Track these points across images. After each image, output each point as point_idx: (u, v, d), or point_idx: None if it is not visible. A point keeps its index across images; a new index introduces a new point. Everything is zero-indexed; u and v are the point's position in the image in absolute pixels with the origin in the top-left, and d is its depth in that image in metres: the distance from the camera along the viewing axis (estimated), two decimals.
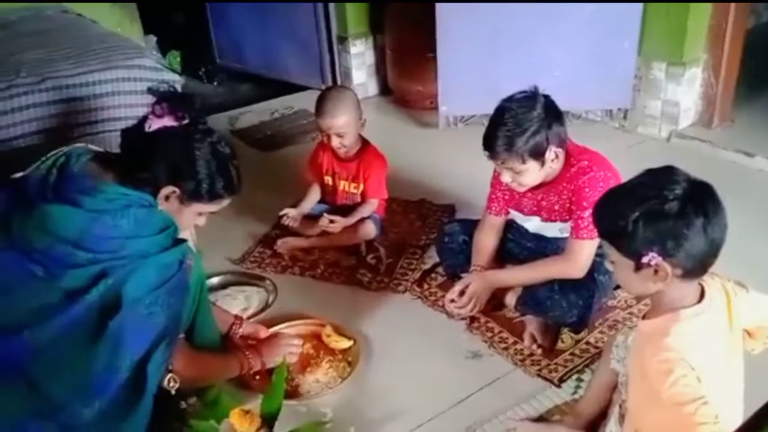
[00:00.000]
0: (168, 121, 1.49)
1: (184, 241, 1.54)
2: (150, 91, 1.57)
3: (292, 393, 1.91)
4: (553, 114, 1.92)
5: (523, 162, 1.92)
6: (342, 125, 2.50)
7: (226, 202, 1.64)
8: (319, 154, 2.72)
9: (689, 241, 1.18)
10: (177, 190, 1.52)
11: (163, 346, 1.44)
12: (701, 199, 1.18)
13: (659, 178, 1.22)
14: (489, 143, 1.94)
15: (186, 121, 1.51)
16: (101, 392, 1.38)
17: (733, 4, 3.27)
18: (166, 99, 1.52)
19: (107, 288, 1.38)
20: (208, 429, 1.58)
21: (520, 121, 1.88)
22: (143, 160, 1.50)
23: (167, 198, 1.53)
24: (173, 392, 1.51)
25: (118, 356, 1.38)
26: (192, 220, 1.64)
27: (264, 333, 2.06)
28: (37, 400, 1.35)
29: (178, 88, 2.29)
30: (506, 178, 2.00)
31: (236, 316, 2.06)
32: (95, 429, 1.38)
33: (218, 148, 1.58)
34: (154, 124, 1.49)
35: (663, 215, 1.17)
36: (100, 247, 1.40)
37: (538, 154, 1.91)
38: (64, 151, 1.54)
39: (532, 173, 1.96)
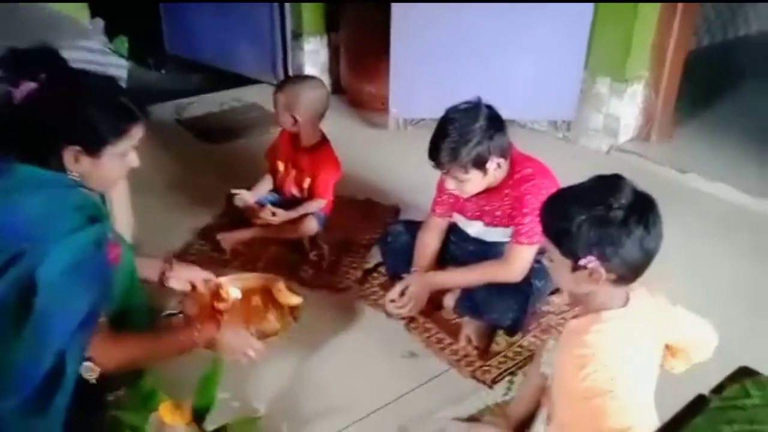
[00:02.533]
0: (28, 86, 1.37)
1: (100, 221, 1.43)
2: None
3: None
4: (495, 125, 1.97)
5: (466, 172, 1.96)
6: (292, 101, 2.49)
7: (137, 131, 1.48)
8: (280, 139, 2.71)
9: (626, 250, 1.23)
10: (78, 146, 1.40)
11: (79, 334, 1.35)
12: (644, 211, 1.23)
13: (608, 185, 1.27)
14: (433, 154, 1.98)
15: (44, 76, 1.38)
16: (22, 386, 1.31)
17: (676, 24, 3.41)
18: (10, 63, 1.39)
19: (17, 276, 1.29)
20: (137, 422, 1.54)
21: (463, 133, 1.93)
22: (30, 134, 1.38)
23: (77, 160, 1.41)
24: (92, 381, 1.42)
25: (41, 346, 1.31)
26: (117, 168, 1.49)
27: (200, 279, 1.86)
28: None
29: (125, 73, 2.24)
30: (450, 185, 2.04)
31: (165, 259, 1.85)
32: (8, 425, 1.32)
33: (96, 84, 1.47)
34: (17, 95, 1.37)
35: (607, 222, 1.22)
36: (8, 232, 1.30)
37: (480, 164, 1.95)
38: None
39: (474, 182, 2.00)
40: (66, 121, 1.39)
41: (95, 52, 2.20)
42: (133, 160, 1.52)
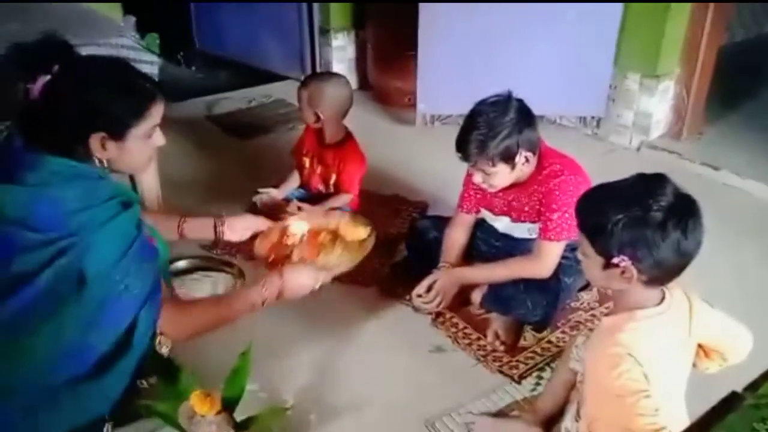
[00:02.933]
0: (42, 79, 1.38)
1: (132, 206, 1.45)
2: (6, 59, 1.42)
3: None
4: (525, 119, 1.95)
5: (493, 165, 1.95)
6: (316, 97, 2.51)
7: (157, 109, 1.47)
8: (305, 135, 2.72)
9: (661, 253, 1.21)
10: (102, 132, 1.39)
11: (146, 310, 1.39)
12: (683, 214, 1.21)
13: (649, 185, 1.24)
14: (461, 146, 1.97)
15: (57, 66, 1.39)
16: (72, 369, 1.35)
17: (708, 20, 3.35)
18: (23, 59, 1.39)
19: (62, 269, 1.31)
20: (167, 409, 1.57)
21: (492, 125, 1.91)
22: (52, 127, 1.39)
23: (103, 146, 1.40)
24: (167, 355, 1.48)
25: (92, 334, 1.35)
26: (144, 149, 1.49)
27: (262, 223, 1.92)
28: None
29: (156, 69, 2.27)
30: (477, 178, 2.03)
31: (215, 216, 1.89)
32: (66, 395, 1.35)
33: (109, 68, 1.46)
34: (34, 90, 1.38)
35: (644, 223, 1.20)
36: (49, 225, 1.31)
37: (508, 158, 1.94)
38: (6, 124, 1.48)
39: (501, 176, 1.99)
40: (85, 108, 1.38)
41: (128, 49, 2.24)
42: (159, 139, 1.52)
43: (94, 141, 1.39)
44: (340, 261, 1.89)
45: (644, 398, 1.21)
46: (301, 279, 1.71)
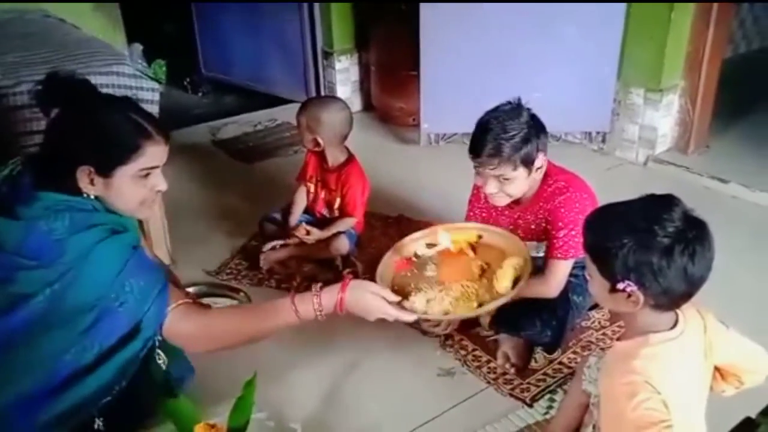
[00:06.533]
0: (53, 113, 1.43)
1: (123, 232, 1.46)
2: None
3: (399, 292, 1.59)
4: (538, 123, 1.93)
5: (515, 168, 1.89)
6: (313, 123, 2.51)
7: (155, 148, 1.43)
8: (308, 160, 2.72)
9: (667, 279, 1.17)
10: (89, 167, 1.38)
11: (147, 317, 1.42)
12: (691, 240, 1.17)
13: (657, 208, 1.20)
14: (478, 148, 1.89)
15: (56, 109, 1.42)
16: (42, 381, 1.38)
17: (710, 32, 3.34)
18: (38, 95, 1.43)
19: (53, 294, 1.35)
20: None
21: (507, 128, 1.87)
22: (52, 160, 1.42)
23: (91, 181, 1.40)
24: (163, 367, 1.50)
25: (81, 349, 1.39)
26: (137, 190, 1.45)
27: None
28: None
29: (157, 96, 2.27)
30: (491, 188, 1.95)
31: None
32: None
33: (103, 103, 1.46)
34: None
35: (650, 249, 1.16)
36: (40, 255, 1.36)
37: (528, 161, 1.90)
38: (21, 159, 1.50)
39: (519, 181, 1.94)
40: (75, 140, 1.40)
41: (128, 77, 2.25)
42: (159, 182, 1.48)
43: (82, 174, 1.40)
44: (449, 303, 1.63)
45: (665, 429, 1.16)
46: (366, 299, 1.49)
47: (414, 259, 1.83)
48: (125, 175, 1.42)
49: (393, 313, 1.51)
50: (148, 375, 1.52)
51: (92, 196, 1.43)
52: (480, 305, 1.65)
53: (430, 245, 1.84)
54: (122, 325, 1.41)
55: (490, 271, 1.74)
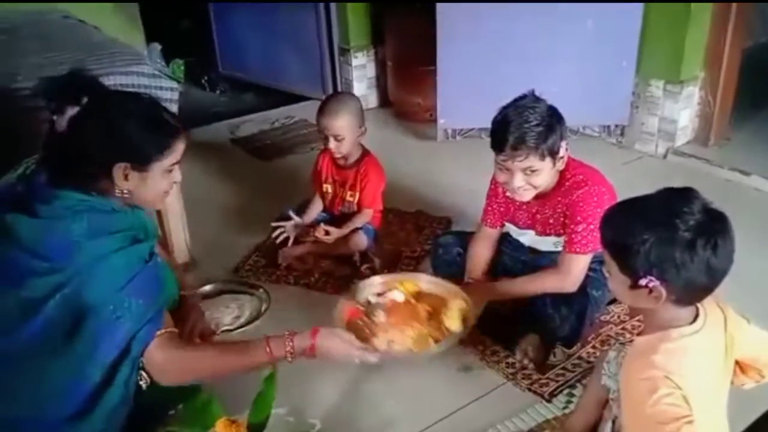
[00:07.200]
0: (70, 111, 1.42)
1: (144, 242, 1.48)
2: (34, 92, 1.47)
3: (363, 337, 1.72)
4: (557, 113, 1.93)
5: (543, 158, 1.88)
6: (340, 127, 2.50)
7: (180, 145, 1.50)
8: (320, 161, 2.73)
9: (690, 273, 1.16)
10: (126, 163, 1.43)
11: (137, 343, 1.41)
12: (713, 233, 1.16)
13: (677, 202, 1.19)
14: (502, 142, 1.87)
15: (86, 99, 1.43)
16: (68, 402, 1.38)
17: (731, 22, 3.29)
18: (51, 91, 1.43)
19: (64, 299, 1.35)
20: None
21: (529, 117, 1.86)
22: (76, 158, 1.42)
23: (126, 177, 1.44)
24: (144, 387, 1.48)
25: (89, 364, 1.38)
26: (162, 183, 1.52)
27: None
28: None
29: (176, 95, 2.30)
30: (518, 181, 1.92)
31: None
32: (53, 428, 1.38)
33: (134, 101, 1.49)
34: (61, 122, 1.42)
35: (671, 243, 1.15)
36: (55, 255, 1.36)
37: (554, 150, 1.89)
38: (36, 158, 1.51)
39: (545, 172, 1.93)
40: (113, 138, 1.42)
41: (147, 77, 2.28)
42: (177, 175, 1.56)
43: (117, 171, 1.43)
44: (404, 345, 1.79)
45: (686, 424, 1.15)
46: (335, 345, 1.59)
47: (363, 307, 1.96)
48: (160, 169, 1.48)
49: (358, 354, 1.61)
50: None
51: (124, 192, 1.46)
52: (436, 342, 1.82)
53: (379, 294, 2.01)
54: (119, 339, 1.40)
55: (436, 315, 1.90)
